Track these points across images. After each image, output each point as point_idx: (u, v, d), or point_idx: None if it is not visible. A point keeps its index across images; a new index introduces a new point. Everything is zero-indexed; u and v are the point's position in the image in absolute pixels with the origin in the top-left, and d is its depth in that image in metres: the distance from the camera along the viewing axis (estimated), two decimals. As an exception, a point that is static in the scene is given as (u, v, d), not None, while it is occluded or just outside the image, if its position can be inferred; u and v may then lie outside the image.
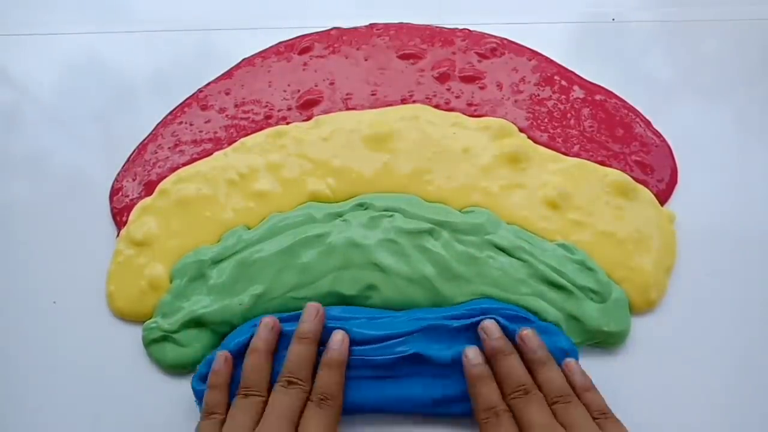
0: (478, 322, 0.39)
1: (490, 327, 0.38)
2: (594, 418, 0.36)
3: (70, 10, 0.55)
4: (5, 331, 0.43)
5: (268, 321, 0.38)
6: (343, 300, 0.41)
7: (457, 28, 0.52)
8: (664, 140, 0.47)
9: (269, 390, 0.36)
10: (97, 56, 0.53)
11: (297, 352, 0.37)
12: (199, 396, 0.39)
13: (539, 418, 0.35)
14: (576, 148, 0.47)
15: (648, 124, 0.48)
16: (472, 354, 0.38)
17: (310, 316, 0.38)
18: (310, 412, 0.35)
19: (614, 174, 0.45)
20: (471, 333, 0.39)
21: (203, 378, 0.39)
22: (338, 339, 0.38)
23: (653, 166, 0.46)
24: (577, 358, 0.39)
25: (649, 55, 0.52)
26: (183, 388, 0.40)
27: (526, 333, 0.38)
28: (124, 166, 0.47)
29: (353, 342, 0.39)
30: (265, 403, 0.36)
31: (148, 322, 0.41)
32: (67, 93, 0.51)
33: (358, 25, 0.53)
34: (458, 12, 0.53)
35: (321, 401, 0.36)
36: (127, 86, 0.51)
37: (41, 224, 0.46)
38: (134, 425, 0.40)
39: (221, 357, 0.38)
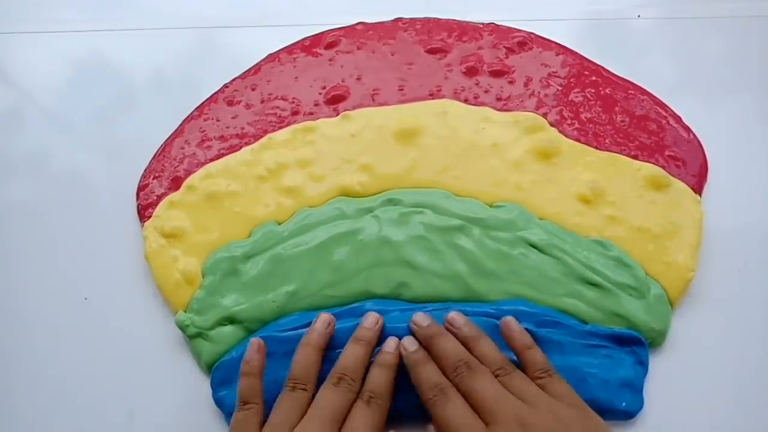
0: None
1: (420, 317, 0.37)
2: (537, 378, 0.35)
3: (74, 6, 0.55)
4: (40, 330, 0.43)
5: (325, 317, 0.38)
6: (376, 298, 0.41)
7: (483, 23, 0.52)
8: (694, 135, 0.47)
9: (317, 386, 0.36)
10: (102, 54, 0.53)
11: (351, 353, 0.36)
12: (220, 403, 0.39)
13: (490, 389, 0.33)
14: (607, 142, 0.46)
15: (678, 119, 0.47)
16: (408, 342, 0.37)
17: (371, 323, 0.38)
18: (357, 410, 0.34)
19: (648, 168, 0.44)
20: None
21: (221, 384, 0.39)
22: (393, 344, 0.37)
23: (686, 161, 0.46)
24: (645, 345, 0.39)
25: (672, 49, 0.52)
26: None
27: (452, 315, 0.37)
28: (150, 162, 0.47)
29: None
30: (311, 398, 0.35)
31: (182, 318, 0.41)
32: (75, 91, 0.51)
33: (382, 20, 0.52)
34: (483, 9, 0.52)
35: (370, 399, 0.35)
36: (141, 84, 0.51)
37: (67, 224, 0.46)
38: (167, 419, 0.40)
39: (254, 345, 0.37)
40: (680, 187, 0.44)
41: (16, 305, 0.43)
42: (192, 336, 0.40)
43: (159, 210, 0.44)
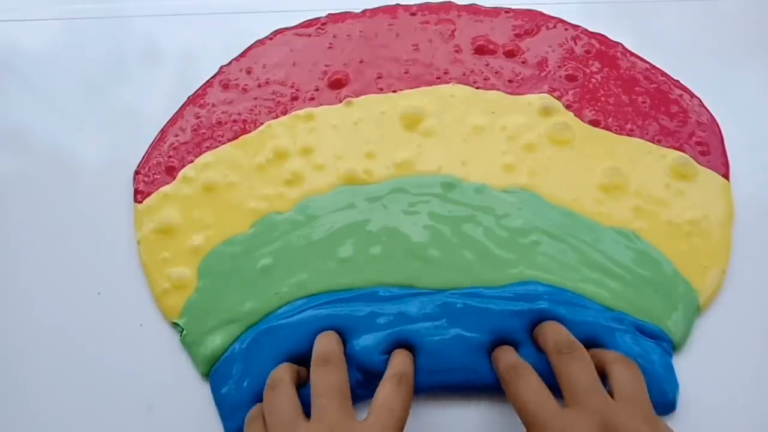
0: (531, 310, 0.37)
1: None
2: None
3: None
4: (38, 330, 0.41)
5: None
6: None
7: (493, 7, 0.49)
8: (713, 118, 0.44)
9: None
10: (97, 37, 0.51)
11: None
12: (221, 402, 0.37)
13: (585, 377, 0.33)
14: (629, 125, 0.44)
15: (700, 101, 0.45)
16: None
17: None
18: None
19: (674, 155, 0.42)
20: (518, 318, 0.37)
21: (221, 383, 0.37)
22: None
23: (710, 146, 0.43)
24: (670, 341, 0.37)
25: (692, 30, 0.49)
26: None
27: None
28: (146, 152, 0.45)
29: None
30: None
31: (177, 324, 0.39)
32: (69, 80, 0.49)
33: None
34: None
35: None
36: (137, 72, 0.49)
37: (65, 223, 0.44)
38: (167, 419, 0.38)
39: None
40: (708, 175, 0.42)
41: (10, 304, 0.42)
42: (189, 343, 0.39)
43: (151, 202, 0.42)
